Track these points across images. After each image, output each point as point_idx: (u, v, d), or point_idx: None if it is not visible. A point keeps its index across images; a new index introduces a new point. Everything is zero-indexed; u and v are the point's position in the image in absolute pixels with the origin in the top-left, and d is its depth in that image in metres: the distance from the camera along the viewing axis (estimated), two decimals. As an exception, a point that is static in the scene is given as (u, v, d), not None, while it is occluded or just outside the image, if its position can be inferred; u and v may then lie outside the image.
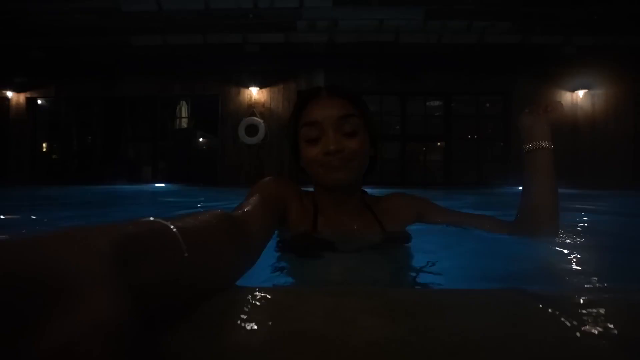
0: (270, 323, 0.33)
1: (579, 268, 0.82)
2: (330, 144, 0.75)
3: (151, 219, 0.32)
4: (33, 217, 2.18)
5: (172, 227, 0.32)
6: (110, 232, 0.25)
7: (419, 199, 1.00)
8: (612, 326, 0.34)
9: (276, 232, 0.81)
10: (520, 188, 0.91)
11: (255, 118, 6.57)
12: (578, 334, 0.32)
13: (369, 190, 0.98)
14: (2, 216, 2.17)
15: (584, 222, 1.90)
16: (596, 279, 0.74)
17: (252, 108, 6.66)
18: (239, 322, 0.34)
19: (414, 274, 0.78)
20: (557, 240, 0.91)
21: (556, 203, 0.87)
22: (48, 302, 0.17)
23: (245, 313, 0.36)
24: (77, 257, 0.20)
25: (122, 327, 0.18)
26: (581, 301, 0.40)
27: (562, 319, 0.35)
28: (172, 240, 0.31)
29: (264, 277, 0.68)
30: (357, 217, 0.89)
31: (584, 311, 0.37)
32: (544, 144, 0.87)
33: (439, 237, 0.97)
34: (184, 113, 7.77)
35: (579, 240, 1.05)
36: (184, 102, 7.67)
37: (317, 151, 0.78)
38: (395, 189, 1.17)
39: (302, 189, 0.92)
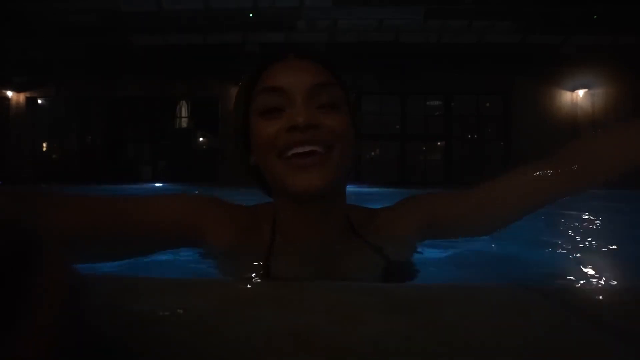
0: (271, 318, 0.34)
1: (579, 264, 0.82)
2: (298, 114, 0.50)
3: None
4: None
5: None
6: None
7: (429, 197, 0.68)
8: (612, 321, 0.34)
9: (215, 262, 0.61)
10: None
11: (255, 118, 6.56)
12: (578, 329, 0.32)
13: (367, 190, 0.96)
14: None
15: (584, 220, 1.90)
16: (595, 274, 0.75)
17: (252, 108, 6.65)
18: (239, 316, 0.34)
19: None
20: (556, 237, 0.91)
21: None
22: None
23: (245, 308, 0.36)
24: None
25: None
26: (582, 296, 0.41)
27: (563, 314, 0.35)
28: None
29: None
30: (339, 245, 0.59)
31: (584, 306, 0.37)
32: None
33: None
34: (184, 113, 7.75)
35: (578, 237, 1.06)
36: (184, 102, 7.65)
37: (278, 127, 0.52)
38: (395, 188, 1.11)
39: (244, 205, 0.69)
